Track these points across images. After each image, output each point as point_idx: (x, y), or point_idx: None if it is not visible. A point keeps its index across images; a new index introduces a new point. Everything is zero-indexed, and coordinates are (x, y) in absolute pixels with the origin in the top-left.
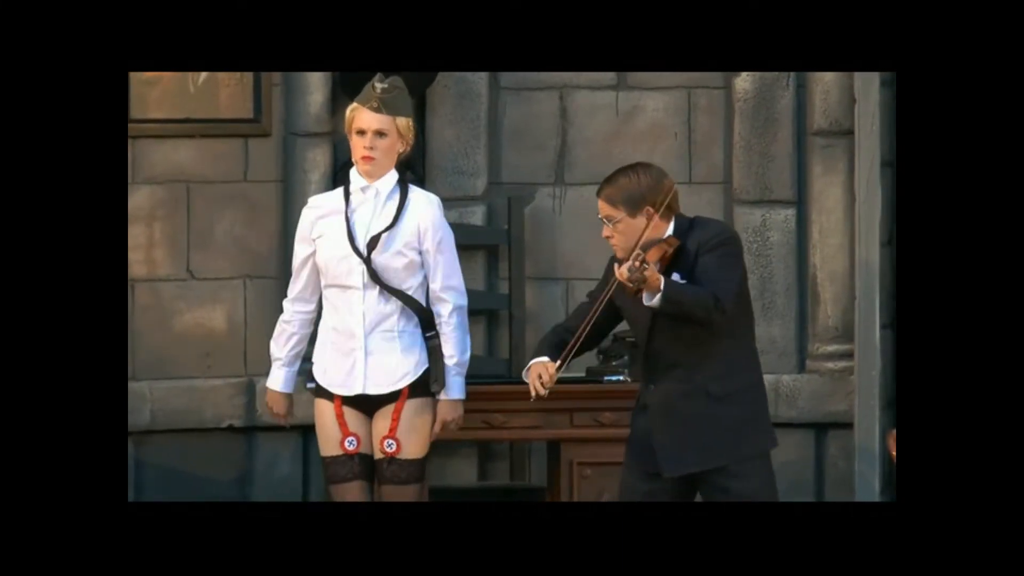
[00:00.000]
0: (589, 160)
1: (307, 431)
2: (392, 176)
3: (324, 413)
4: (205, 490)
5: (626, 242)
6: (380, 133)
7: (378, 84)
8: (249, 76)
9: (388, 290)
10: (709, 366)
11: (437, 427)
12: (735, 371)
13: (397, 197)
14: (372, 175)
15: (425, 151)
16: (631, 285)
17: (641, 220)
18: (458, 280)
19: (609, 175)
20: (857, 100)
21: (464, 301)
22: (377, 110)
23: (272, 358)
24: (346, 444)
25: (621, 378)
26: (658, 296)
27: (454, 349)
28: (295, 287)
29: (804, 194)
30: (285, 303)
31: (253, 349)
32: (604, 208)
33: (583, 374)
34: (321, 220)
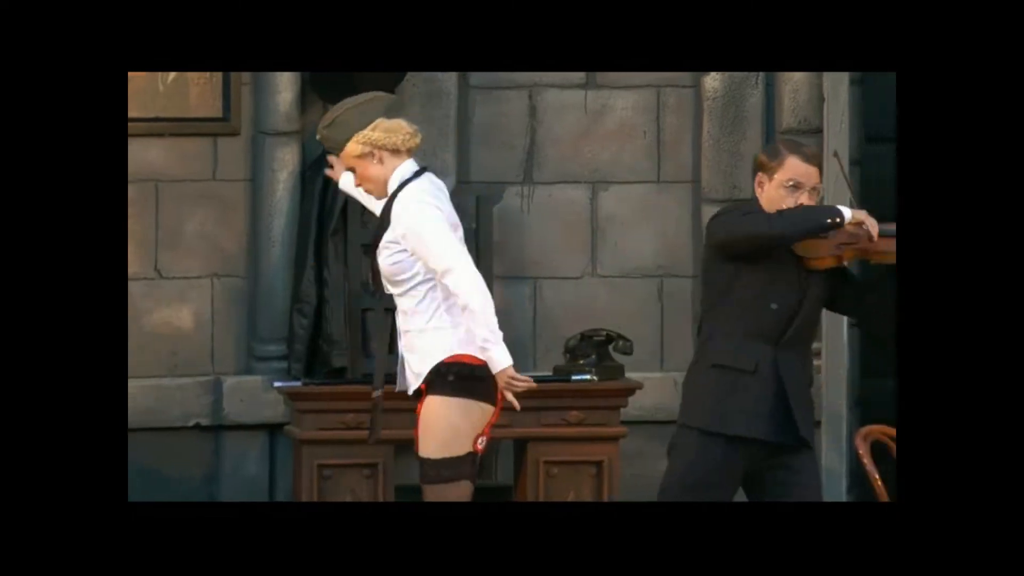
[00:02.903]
0: (558, 159)
1: (273, 430)
2: (395, 180)
3: (476, 413)
4: (172, 489)
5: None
6: (350, 169)
7: (319, 130)
8: (218, 75)
9: (393, 295)
10: (813, 341)
11: (501, 396)
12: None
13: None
14: (380, 195)
15: None
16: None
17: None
18: (448, 261)
19: (807, 146)
20: (826, 99)
21: (463, 276)
22: (332, 152)
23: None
24: (479, 443)
25: (588, 377)
26: None
27: (474, 326)
28: None
29: None
30: None
31: (220, 348)
32: (815, 175)
33: (550, 373)
34: None
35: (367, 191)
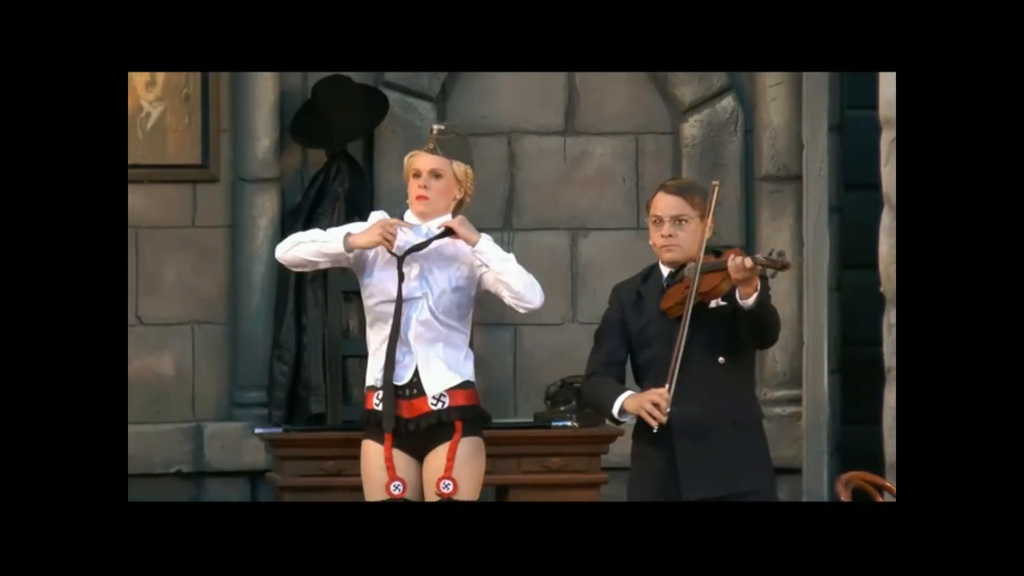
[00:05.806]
0: (537, 205)
1: (255, 477)
2: (444, 219)
3: (372, 456)
4: None
5: (688, 247)
6: (435, 174)
7: (435, 126)
8: (197, 121)
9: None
10: (735, 396)
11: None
12: (752, 403)
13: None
14: (426, 215)
15: (373, 195)
16: (749, 274)
17: (700, 229)
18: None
19: (672, 180)
20: (805, 145)
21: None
22: (433, 151)
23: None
24: (392, 489)
25: (569, 423)
26: (755, 296)
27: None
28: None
29: (752, 240)
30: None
31: (201, 394)
32: (678, 206)
33: (531, 419)
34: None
35: (424, 199)
